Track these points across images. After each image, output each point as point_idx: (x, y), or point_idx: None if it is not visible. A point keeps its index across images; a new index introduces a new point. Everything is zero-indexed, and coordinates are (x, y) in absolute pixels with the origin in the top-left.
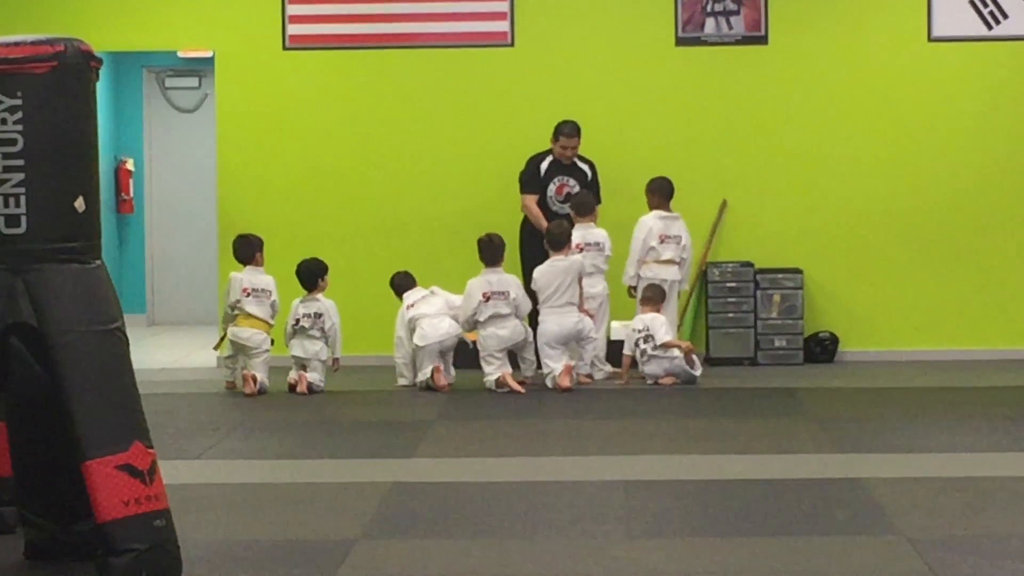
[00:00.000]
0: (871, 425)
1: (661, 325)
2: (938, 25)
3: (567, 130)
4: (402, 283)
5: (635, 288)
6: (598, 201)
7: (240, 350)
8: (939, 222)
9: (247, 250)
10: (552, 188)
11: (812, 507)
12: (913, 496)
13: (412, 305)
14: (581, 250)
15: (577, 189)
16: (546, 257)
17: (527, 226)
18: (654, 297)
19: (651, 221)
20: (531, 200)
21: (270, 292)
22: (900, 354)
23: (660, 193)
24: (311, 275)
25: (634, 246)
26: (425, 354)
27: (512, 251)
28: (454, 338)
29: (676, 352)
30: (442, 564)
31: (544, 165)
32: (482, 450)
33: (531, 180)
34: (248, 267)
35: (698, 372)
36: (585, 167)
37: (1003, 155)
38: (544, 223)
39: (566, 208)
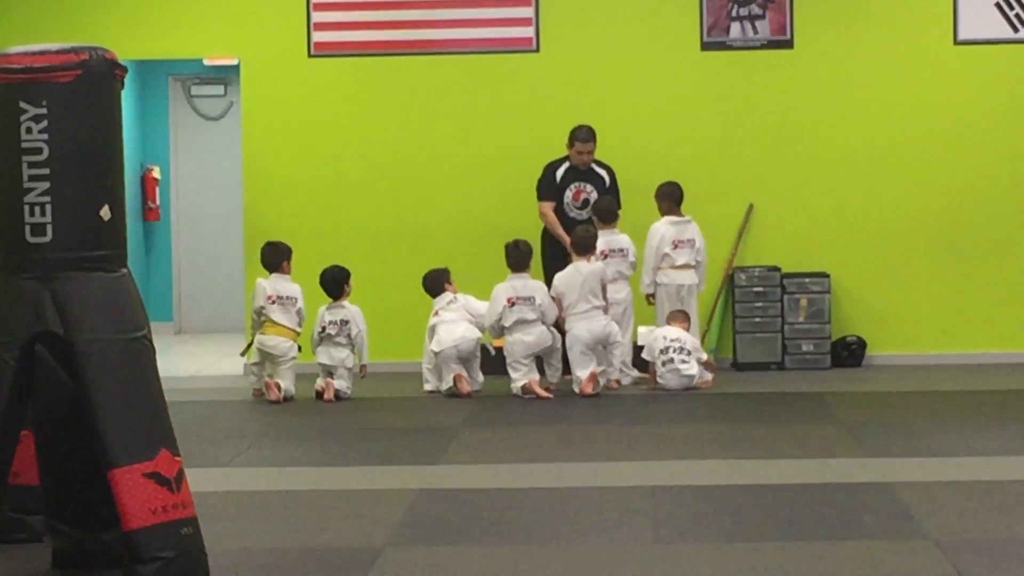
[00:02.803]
0: (899, 429)
1: (696, 342)
2: (964, 28)
3: (582, 135)
4: (431, 287)
5: (653, 296)
6: (618, 206)
7: (266, 358)
8: (966, 225)
9: (274, 257)
10: (569, 194)
11: (840, 511)
12: (941, 500)
13: (437, 312)
14: (606, 256)
15: (595, 195)
16: (566, 264)
17: (548, 233)
18: (679, 315)
19: (663, 227)
20: (547, 207)
21: (295, 299)
22: (927, 358)
23: (670, 199)
24: (336, 282)
25: (648, 254)
26: (443, 360)
27: (535, 259)
28: (471, 342)
29: (694, 371)
30: (469, 570)
31: (560, 172)
32: (509, 456)
33: (547, 187)
34: (274, 275)
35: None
36: (603, 172)
37: None
38: (560, 230)
39: (584, 214)
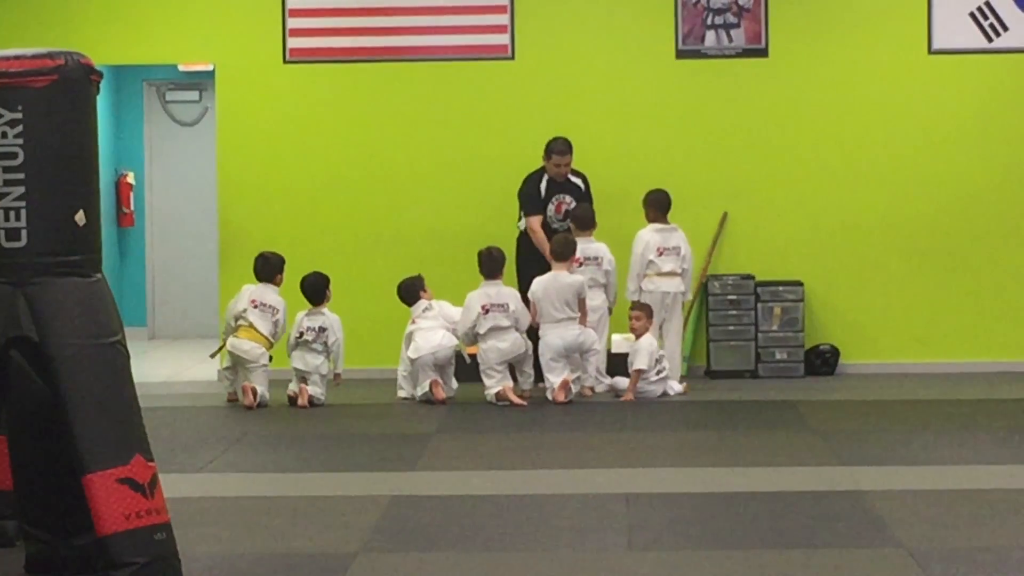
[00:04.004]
0: (872, 437)
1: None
2: (938, 38)
3: (559, 147)
4: (406, 296)
5: (637, 303)
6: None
7: (238, 362)
8: (940, 234)
9: (267, 270)
10: (551, 208)
11: (813, 519)
12: (914, 508)
13: (414, 320)
14: (580, 264)
15: (574, 205)
16: (542, 271)
17: (524, 241)
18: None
19: (648, 235)
20: (536, 222)
21: (277, 311)
22: (901, 366)
23: (656, 206)
24: (316, 289)
25: (633, 261)
26: (420, 367)
27: (509, 265)
28: (448, 350)
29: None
30: None
31: (543, 185)
32: (482, 463)
33: (534, 201)
34: (263, 283)
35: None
36: (578, 181)
37: (1003, 167)
38: (547, 246)
39: (566, 225)
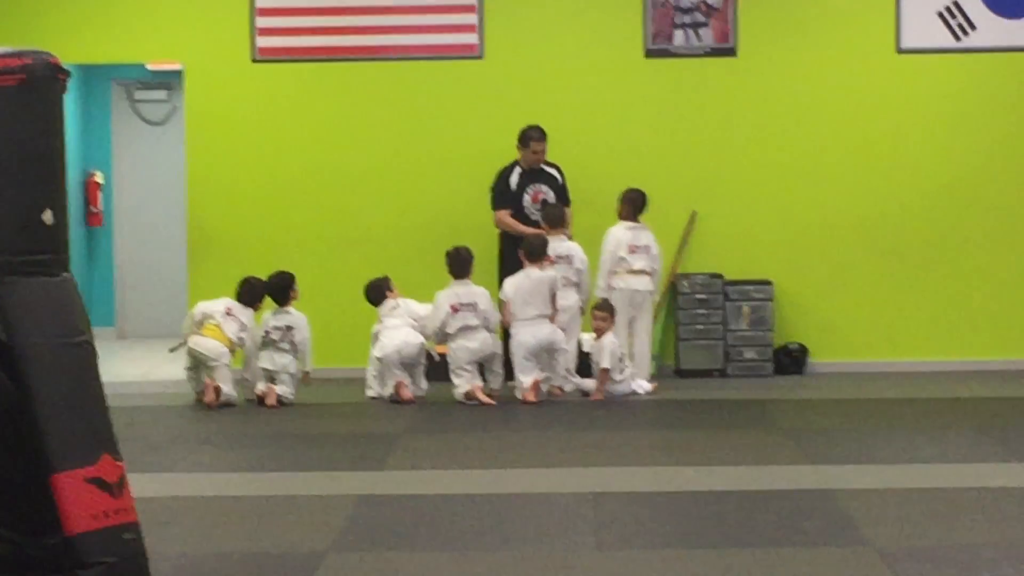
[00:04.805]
0: (841, 436)
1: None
2: (907, 37)
3: (535, 135)
4: (373, 297)
5: (606, 300)
6: (567, 203)
7: (199, 360)
8: (908, 233)
9: (249, 296)
10: (527, 198)
11: (782, 518)
12: (883, 507)
13: (381, 320)
14: (552, 263)
15: (551, 194)
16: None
17: (506, 238)
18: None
19: (619, 232)
20: (504, 214)
21: (246, 327)
22: (869, 365)
23: (630, 204)
24: (282, 289)
25: (604, 258)
26: (385, 365)
27: (491, 263)
28: (414, 347)
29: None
30: None
31: (514, 177)
32: (451, 462)
33: (502, 195)
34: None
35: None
36: (553, 171)
37: (971, 167)
38: (524, 229)
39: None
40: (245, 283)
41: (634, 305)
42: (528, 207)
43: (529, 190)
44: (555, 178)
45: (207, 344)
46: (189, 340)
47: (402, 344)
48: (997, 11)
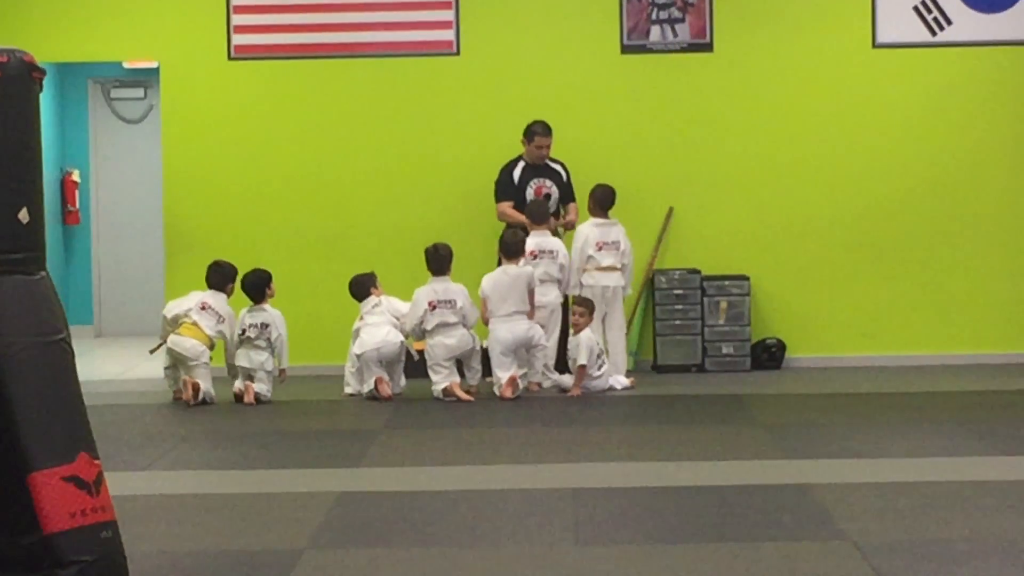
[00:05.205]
0: (818, 431)
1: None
2: (883, 32)
3: (540, 129)
4: (356, 292)
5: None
6: (571, 199)
7: (178, 360)
8: (884, 228)
9: (218, 278)
10: (530, 191)
11: (759, 513)
12: (860, 501)
13: (362, 317)
14: (536, 257)
15: (555, 190)
16: None
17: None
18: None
19: (587, 229)
20: (505, 206)
21: (223, 318)
22: (847, 360)
23: (596, 200)
24: (257, 286)
25: (573, 256)
26: (364, 362)
27: (469, 261)
28: (393, 345)
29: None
30: (389, 573)
31: (517, 172)
32: (429, 459)
33: (505, 188)
34: (213, 290)
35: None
36: (558, 167)
37: (948, 161)
38: (524, 218)
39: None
40: (214, 265)
41: (605, 301)
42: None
43: (532, 184)
44: (560, 174)
45: (186, 344)
46: (168, 340)
47: (382, 342)
48: (973, 6)
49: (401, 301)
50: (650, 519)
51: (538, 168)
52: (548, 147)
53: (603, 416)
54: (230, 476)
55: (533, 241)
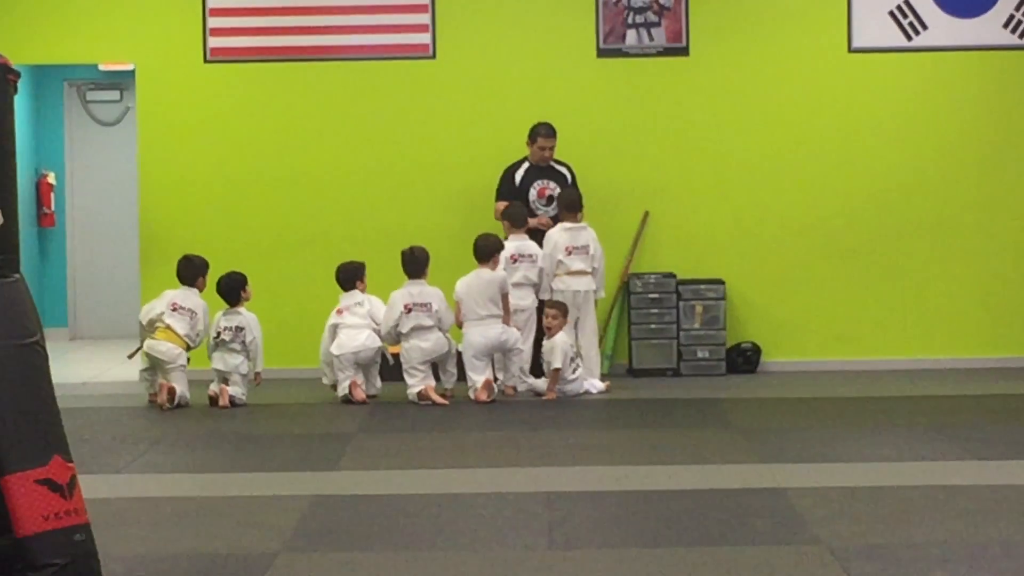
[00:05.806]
0: (793, 435)
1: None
2: (858, 36)
3: (544, 131)
4: (343, 279)
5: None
6: (578, 203)
7: (156, 363)
8: (860, 233)
9: (189, 272)
10: (533, 193)
11: (734, 517)
12: (834, 505)
13: (340, 311)
14: (516, 260)
15: (559, 191)
16: None
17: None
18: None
19: (557, 234)
20: (501, 205)
21: (197, 314)
22: (822, 364)
23: (563, 206)
24: (232, 289)
25: (544, 261)
26: (340, 364)
27: (443, 264)
28: (371, 350)
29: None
30: None
31: (519, 173)
32: (404, 462)
33: (505, 188)
34: (185, 287)
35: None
36: (563, 169)
37: (923, 166)
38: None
39: (551, 210)
40: (184, 259)
41: (576, 305)
42: (534, 202)
43: (536, 185)
44: (564, 176)
45: (161, 347)
46: (145, 344)
47: (361, 347)
48: (948, 11)
49: (384, 305)
50: (625, 523)
51: (542, 169)
52: (552, 148)
53: (578, 420)
54: (204, 479)
55: (512, 245)
